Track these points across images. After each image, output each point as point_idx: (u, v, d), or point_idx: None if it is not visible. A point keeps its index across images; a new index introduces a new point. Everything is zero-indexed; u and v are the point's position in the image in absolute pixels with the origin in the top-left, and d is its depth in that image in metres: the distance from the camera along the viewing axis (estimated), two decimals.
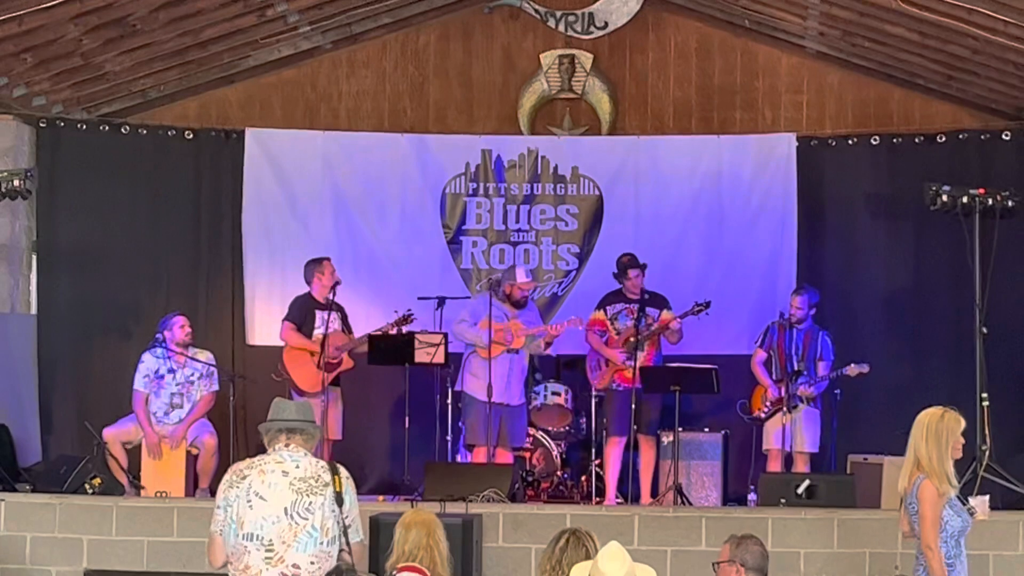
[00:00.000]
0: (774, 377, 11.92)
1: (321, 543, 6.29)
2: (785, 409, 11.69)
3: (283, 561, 6.22)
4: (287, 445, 6.42)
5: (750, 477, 12.01)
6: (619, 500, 11.67)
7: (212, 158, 13.59)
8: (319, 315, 11.86)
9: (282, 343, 12.05)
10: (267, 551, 6.23)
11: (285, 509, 6.25)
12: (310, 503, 6.28)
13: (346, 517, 6.38)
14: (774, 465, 11.79)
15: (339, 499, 6.32)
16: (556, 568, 6.53)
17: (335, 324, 11.85)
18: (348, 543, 6.34)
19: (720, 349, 12.48)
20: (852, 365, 11.81)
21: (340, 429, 11.97)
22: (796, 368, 11.80)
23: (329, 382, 11.68)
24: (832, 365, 11.88)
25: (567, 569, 6.42)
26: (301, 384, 11.81)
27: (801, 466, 11.69)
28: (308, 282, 11.98)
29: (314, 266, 11.98)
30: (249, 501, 6.27)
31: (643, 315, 11.81)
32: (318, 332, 11.81)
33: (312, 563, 6.27)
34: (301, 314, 11.93)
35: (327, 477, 6.35)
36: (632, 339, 11.72)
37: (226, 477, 6.46)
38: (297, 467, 6.35)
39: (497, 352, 11.61)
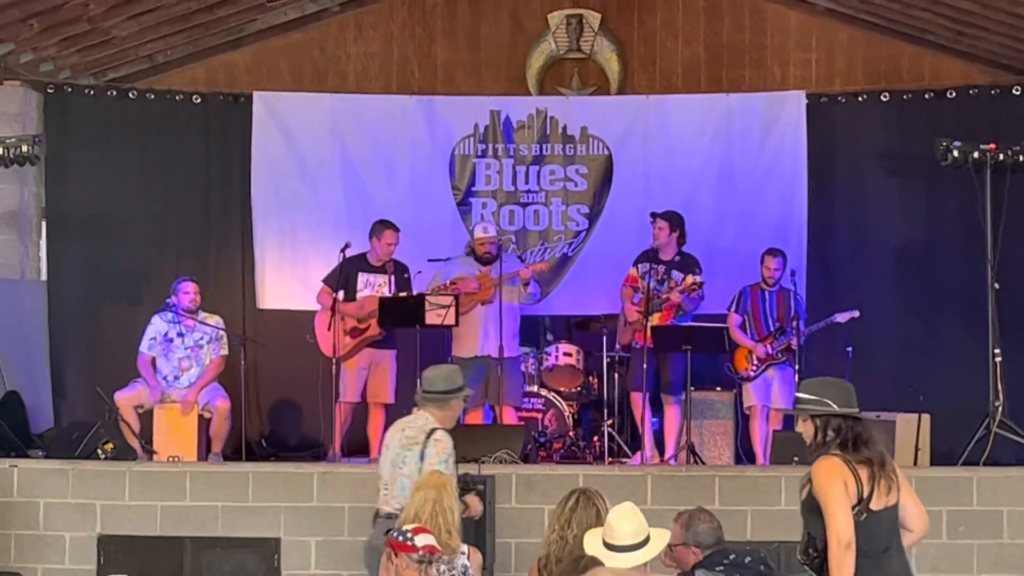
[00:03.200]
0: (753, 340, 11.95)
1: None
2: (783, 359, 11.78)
3: (394, 498, 7.81)
4: (418, 411, 8.07)
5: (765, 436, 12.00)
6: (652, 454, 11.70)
7: (220, 122, 13.56)
8: (363, 277, 11.86)
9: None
10: (384, 489, 7.94)
11: (392, 460, 7.92)
12: (405, 457, 7.83)
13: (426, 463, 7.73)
14: (757, 422, 11.84)
15: (421, 455, 7.72)
16: (567, 527, 6.55)
17: (383, 288, 11.82)
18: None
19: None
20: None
21: (392, 392, 11.89)
22: (779, 326, 11.81)
23: (365, 345, 11.76)
24: (806, 322, 11.89)
25: (577, 528, 6.44)
26: (322, 348, 11.81)
27: (776, 423, 11.71)
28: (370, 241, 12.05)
29: (374, 228, 11.98)
30: (381, 452, 8.13)
31: (668, 278, 11.80)
32: (361, 295, 11.83)
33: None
34: (340, 276, 11.86)
35: (421, 439, 7.79)
36: (647, 300, 11.73)
37: None
38: (411, 427, 7.96)
39: (471, 306, 11.77)
